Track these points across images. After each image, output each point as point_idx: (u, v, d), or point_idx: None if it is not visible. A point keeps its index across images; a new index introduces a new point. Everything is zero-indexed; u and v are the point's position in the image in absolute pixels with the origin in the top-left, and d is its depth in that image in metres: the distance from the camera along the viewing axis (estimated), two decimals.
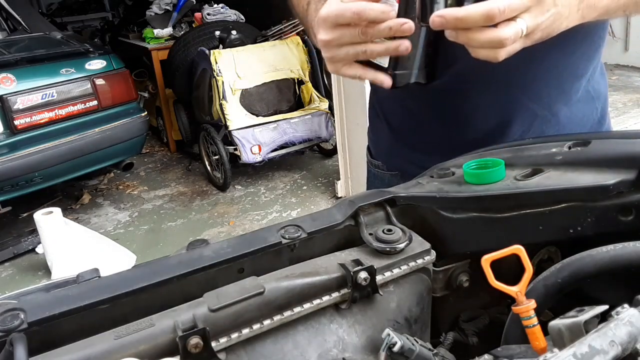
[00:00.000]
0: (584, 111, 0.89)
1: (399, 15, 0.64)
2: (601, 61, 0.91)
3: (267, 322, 0.50)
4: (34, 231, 3.22)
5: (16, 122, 3.23)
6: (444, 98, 0.85)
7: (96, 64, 3.59)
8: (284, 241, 0.57)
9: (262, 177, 4.35)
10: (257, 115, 3.87)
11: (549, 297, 0.49)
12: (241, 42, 3.91)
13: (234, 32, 3.93)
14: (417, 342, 0.49)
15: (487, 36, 0.59)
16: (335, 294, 0.54)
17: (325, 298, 0.53)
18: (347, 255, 0.57)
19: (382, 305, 0.56)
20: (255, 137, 3.81)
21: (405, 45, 0.65)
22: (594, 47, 0.85)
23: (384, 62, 0.70)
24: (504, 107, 0.85)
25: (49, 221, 2.90)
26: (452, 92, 0.84)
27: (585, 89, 0.88)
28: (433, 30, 0.62)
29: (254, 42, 4.00)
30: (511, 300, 0.45)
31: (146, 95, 4.31)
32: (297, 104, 4.14)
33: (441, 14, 0.58)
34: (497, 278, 0.45)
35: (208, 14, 4.63)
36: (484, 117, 0.86)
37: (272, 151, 3.94)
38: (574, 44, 0.82)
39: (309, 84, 4.06)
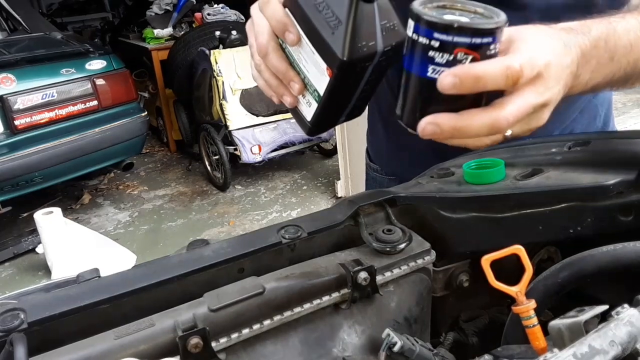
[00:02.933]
0: (582, 122, 0.90)
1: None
2: None
3: (267, 322, 0.50)
4: (34, 231, 3.22)
5: (16, 122, 3.23)
6: None
7: (96, 64, 3.59)
8: (284, 241, 0.57)
9: (262, 177, 4.35)
10: (257, 115, 3.87)
11: (549, 297, 0.49)
12: (241, 42, 3.91)
13: (234, 32, 3.93)
14: (417, 342, 0.49)
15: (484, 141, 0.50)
16: (335, 294, 0.54)
17: (325, 298, 0.53)
18: (347, 255, 0.57)
19: (382, 305, 0.56)
20: (255, 137, 3.81)
21: (288, 101, 0.59)
22: None
23: (306, 113, 0.59)
24: None
25: (49, 221, 2.90)
26: None
27: (587, 99, 0.88)
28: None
29: None
30: (511, 300, 0.45)
31: (146, 95, 4.31)
32: None
33: (435, 122, 0.46)
34: (497, 278, 0.45)
35: (208, 14, 4.63)
36: None
37: (272, 151, 3.94)
38: None
39: None
